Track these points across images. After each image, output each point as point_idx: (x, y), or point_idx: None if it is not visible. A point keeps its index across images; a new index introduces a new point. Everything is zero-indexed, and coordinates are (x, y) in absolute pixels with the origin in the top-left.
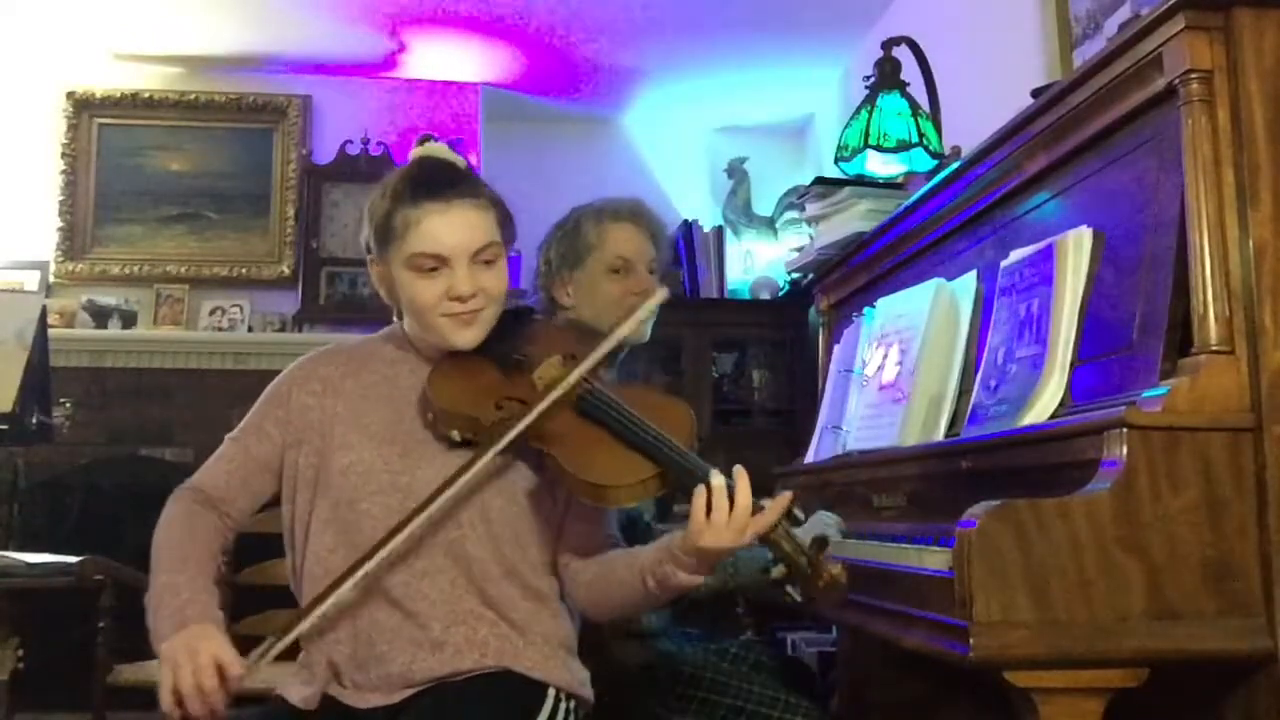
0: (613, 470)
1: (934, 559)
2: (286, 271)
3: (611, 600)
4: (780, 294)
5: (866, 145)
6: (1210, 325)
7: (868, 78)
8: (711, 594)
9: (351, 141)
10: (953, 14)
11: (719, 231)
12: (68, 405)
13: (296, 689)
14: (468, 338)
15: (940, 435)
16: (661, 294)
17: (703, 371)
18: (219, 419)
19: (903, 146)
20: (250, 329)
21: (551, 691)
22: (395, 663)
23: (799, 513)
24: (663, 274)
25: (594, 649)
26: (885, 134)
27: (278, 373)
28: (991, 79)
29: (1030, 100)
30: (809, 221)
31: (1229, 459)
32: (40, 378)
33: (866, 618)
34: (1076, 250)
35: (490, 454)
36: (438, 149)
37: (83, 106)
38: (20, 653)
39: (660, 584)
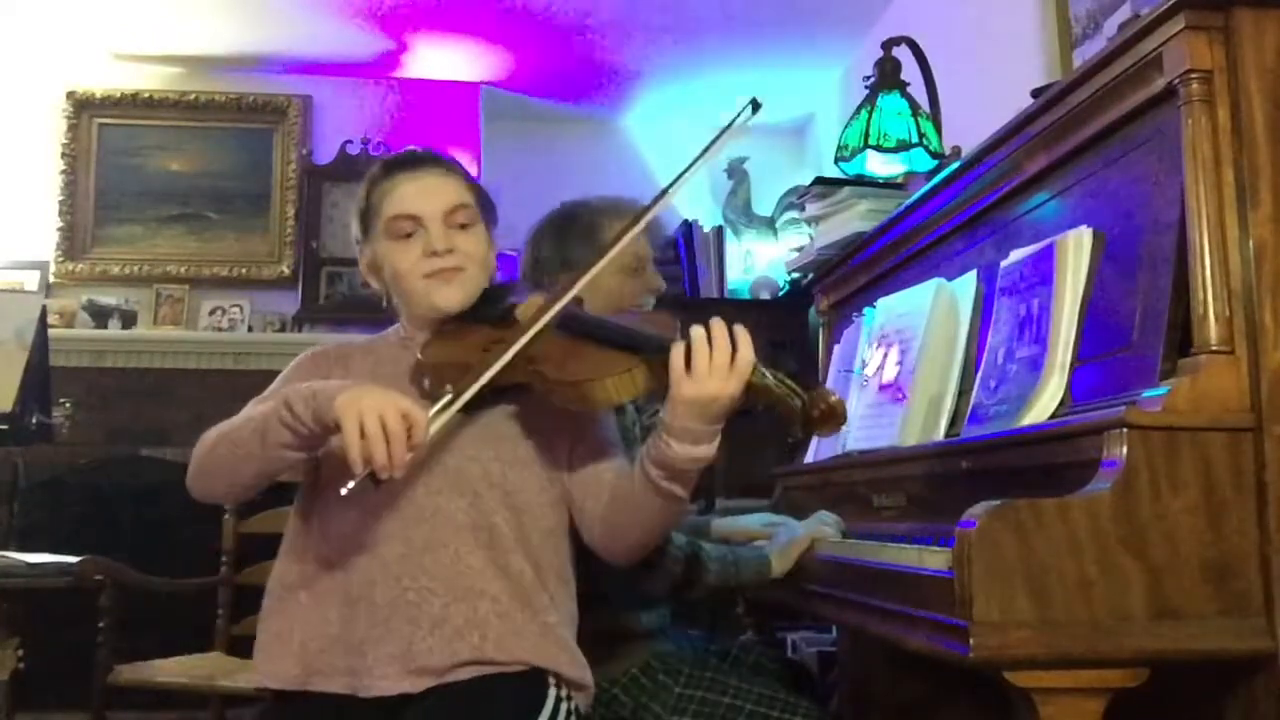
0: (595, 367)
1: (934, 559)
2: (286, 271)
3: (626, 525)
4: (780, 294)
5: (866, 145)
6: (1210, 325)
7: (868, 78)
8: (712, 592)
9: (351, 141)
10: (953, 14)
11: (719, 231)
12: (68, 405)
13: (279, 666)
14: (449, 295)
15: (940, 435)
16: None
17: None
18: (219, 419)
19: (903, 146)
20: (250, 329)
21: (551, 692)
22: (393, 643)
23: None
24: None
25: (594, 649)
26: (885, 134)
27: (278, 373)
28: (991, 79)
29: (1030, 100)
30: (809, 221)
31: (1229, 459)
32: (40, 378)
33: (866, 618)
34: (1076, 250)
35: (487, 376)
36: (427, 149)
37: (83, 106)
38: (20, 653)
39: (657, 463)
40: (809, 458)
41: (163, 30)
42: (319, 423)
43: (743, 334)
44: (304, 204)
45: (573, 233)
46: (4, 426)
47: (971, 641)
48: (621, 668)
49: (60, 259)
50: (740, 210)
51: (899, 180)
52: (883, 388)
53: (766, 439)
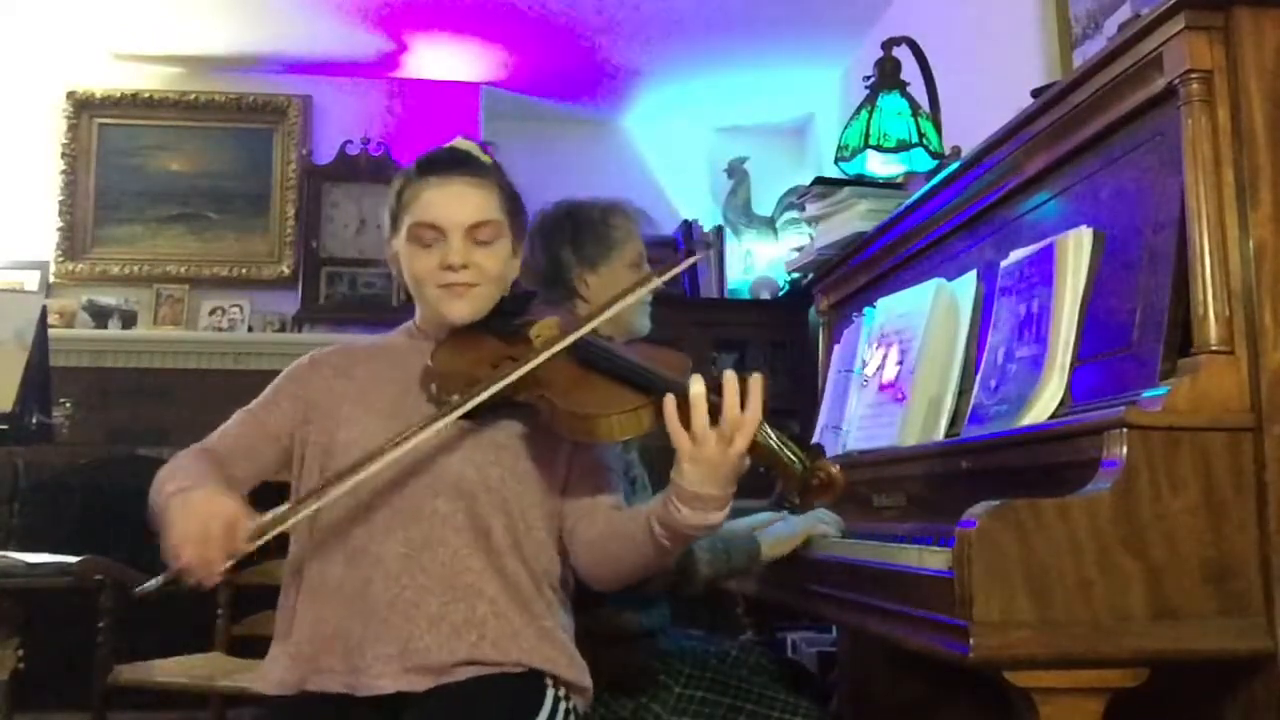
0: (602, 402)
1: (934, 559)
2: (286, 271)
3: (615, 557)
4: (780, 294)
5: (866, 145)
6: (1210, 325)
7: (868, 78)
8: (708, 584)
9: (351, 141)
10: (953, 14)
11: (719, 231)
12: (68, 405)
13: (275, 674)
14: (459, 310)
15: (940, 435)
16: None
17: (703, 372)
18: (219, 419)
19: (903, 146)
20: (250, 329)
21: (550, 693)
22: (390, 642)
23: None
24: None
25: (592, 650)
26: (885, 134)
27: (278, 372)
28: (991, 79)
29: (1030, 100)
30: (809, 221)
31: (1229, 459)
32: (40, 378)
33: (866, 618)
34: (1076, 250)
35: (490, 391)
36: (464, 142)
37: (83, 106)
38: (20, 653)
39: (665, 525)
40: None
41: (163, 30)
42: (156, 514)
43: (755, 389)
44: (304, 204)
45: (586, 234)
46: (4, 426)
47: (971, 641)
48: (621, 668)
49: (60, 259)
50: (740, 210)
51: (899, 180)
52: (883, 388)
53: None
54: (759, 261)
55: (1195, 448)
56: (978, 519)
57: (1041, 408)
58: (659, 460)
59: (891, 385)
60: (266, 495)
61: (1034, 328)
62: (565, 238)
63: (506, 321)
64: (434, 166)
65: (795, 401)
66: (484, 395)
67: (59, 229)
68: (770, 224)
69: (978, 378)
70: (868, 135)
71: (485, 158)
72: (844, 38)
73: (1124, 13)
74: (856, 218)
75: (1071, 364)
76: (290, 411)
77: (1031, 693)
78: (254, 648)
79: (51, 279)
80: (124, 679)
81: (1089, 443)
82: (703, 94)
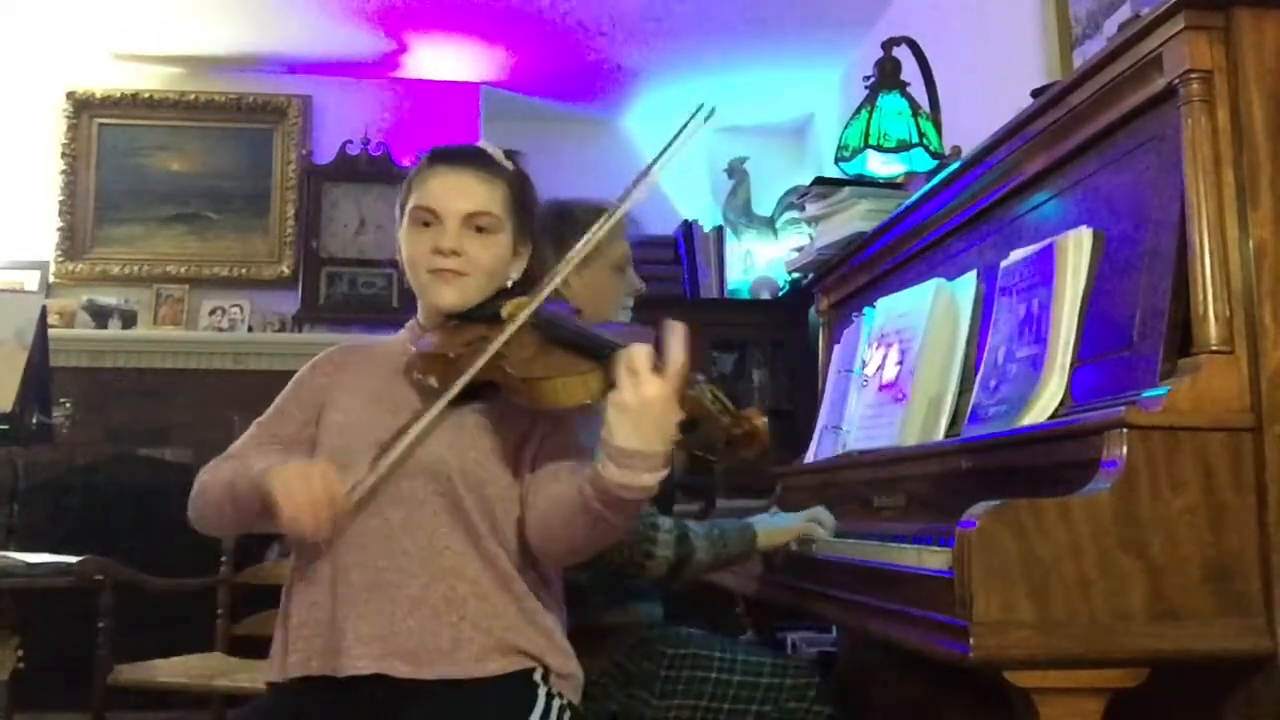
0: (552, 366)
1: (934, 559)
2: (286, 271)
3: (557, 528)
4: (780, 294)
5: (866, 145)
6: (1210, 325)
7: (868, 78)
8: (706, 570)
9: (351, 141)
10: (953, 14)
11: (719, 231)
12: (68, 405)
13: (280, 661)
14: (447, 296)
15: (940, 435)
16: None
17: (703, 372)
18: (219, 419)
19: (903, 146)
20: (250, 329)
21: (541, 690)
22: (373, 623)
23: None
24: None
25: (582, 644)
26: (885, 134)
27: (278, 373)
28: (991, 79)
29: (1030, 100)
30: (809, 221)
31: (1229, 459)
32: (40, 378)
33: (866, 618)
34: (1076, 250)
35: (472, 369)
36: (489, 145)
37: (83, 106)
38: (20, 653)
39: (595, 487)
40: (809, 458)
41: (163, 30)
42: (254, 495)
43: (677, 335)
44: (304, 204)
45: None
46: (4, 426)
47: (971, 641)
48: (612, 662)
49: (60, 259)
50: (740, 210)
51: (899, 180)
52: (883, 388)
53: None
54: (759, 261)
55: (1195, 448)
56: (978, 519)
57: (1041, 408)
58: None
59: (891, 385)
60: None
61: (1034, 328)
62: (550, 237)
63: (486, 307)
64: (446, 156)
65: (795, 401)
66: (468, 374)
67: (59, 229)
68: (770, 224)
69: (978, 378)
70: (868, 135)
71: (507, 161)
72: (844, 38)
73: (1124, 13)
74: (856, 218)
75: (1071, 364)
76: (299, 417)
77: (1031, 693)
78: (254, 648)
79: (51, 279)
80: (124, 679)
81: (1089, 443)
82: (703, 94)
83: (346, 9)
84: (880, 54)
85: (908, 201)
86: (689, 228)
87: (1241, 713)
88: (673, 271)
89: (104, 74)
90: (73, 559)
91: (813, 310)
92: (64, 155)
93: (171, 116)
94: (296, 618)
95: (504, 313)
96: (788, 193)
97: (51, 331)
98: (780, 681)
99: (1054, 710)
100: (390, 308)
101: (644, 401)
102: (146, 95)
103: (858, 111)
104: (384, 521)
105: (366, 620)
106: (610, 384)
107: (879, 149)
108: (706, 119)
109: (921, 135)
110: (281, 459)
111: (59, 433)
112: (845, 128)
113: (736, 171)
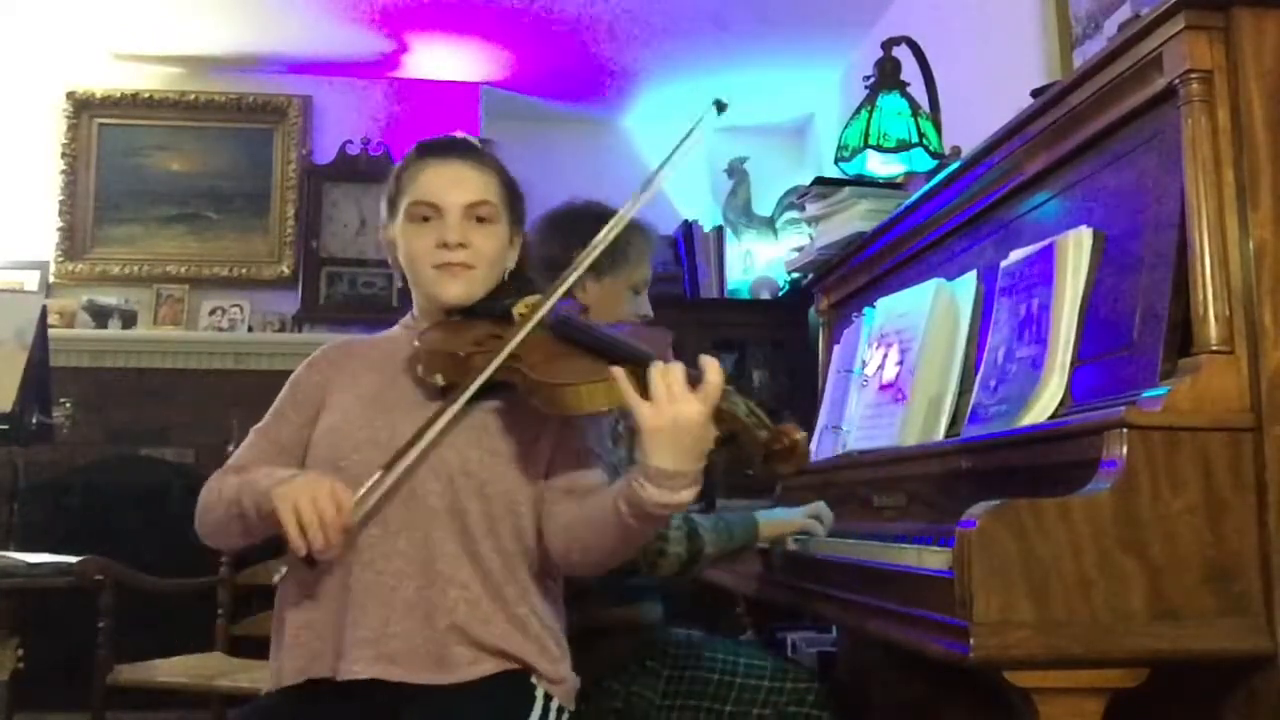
0: (573, 372)
1: (934, 559)
2: (286, 271)
3: (584, 541)
4: (780, 294)
5: (866, 145)
6: (1210, 325)
7: (868, 78)
8: (713, 563)
9: (351, 141)
10: (953, 14)
11: (719, 231)
12: (68, 405)
13: (282, 666)
14: (454, 290)
15: (940, 435)
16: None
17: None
18: (219, 419)
19: (903, 146)
20: (250, 329)
21: (540, 691)
22: (367, 627)
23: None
24: None
25: (583, 642)
26: (885, 134)
27: (278, 373)
28: (991, 79)
29: (1030, 100)
30: (809, 221)
31: (1229, 459)
32: (40, 378)
33: (866, 618)
34: (1076, 250)
35: (490, 369)
36: (464, 135)
37: (83, 106)
38: (20, 653)
39: (631, 505)
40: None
41: (163, 30)
42: (259, 514)
43: (712, 361)
44: (304, 204)
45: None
46: (4, 426)
47: (971, 641)
48: (611, 658)
49: (60, 259)
50: (740, 210)
51: (899, 180)
52: (883, 388)
53: None
54: (759, 261)
55: (1195, 448)
56: (978, 519)
57: (1041, 408)
58: None
59: (891, 385)
60: None
61: (1034, 328)
62: (582, 239)
63: (493, 303)
64: (433, 149)
65: (795, 401)
66: (485, 374)
67: (59, 229)
68: (770, 224)
69: (978, 378)
70: (868, 135)
71: (482, 149)
72: (844, 38)
73: (1124, 13)
74: (856, 218)
75: (1071, 364)
76: (297, 419)
77: (1031, 693)
78: (254, 648)
79: (51, 279)
80: (124, 679)
81: (1089, 443)
82: (703, 94)
83: (346, 9)
84: (880, 54)
85: (908, 201)
86: (689, 228)
87: (1241, 713)
88: (673, 271)
89: (104, 74)
90: (73, 559)
91: (813, 310)
92: (64, 155)
93: (171, 116)
94: (294, 622)
95: (517, 311)
96: (788, 193)
97: (51, 331)
98: (780, 685)
99: (1054, 710)
100: (390, 307)
101: (681, 421)
102: (146, 95)
103: (858, 111)
104: (381, 521)
105: (362, 624)
106: (637, 390)
107: (879, 149)
108: (720, 111)
109: (921, 135)
110: (284, 466)
111: (59, 433)
112: (845, 128)
113: (736, 171)
